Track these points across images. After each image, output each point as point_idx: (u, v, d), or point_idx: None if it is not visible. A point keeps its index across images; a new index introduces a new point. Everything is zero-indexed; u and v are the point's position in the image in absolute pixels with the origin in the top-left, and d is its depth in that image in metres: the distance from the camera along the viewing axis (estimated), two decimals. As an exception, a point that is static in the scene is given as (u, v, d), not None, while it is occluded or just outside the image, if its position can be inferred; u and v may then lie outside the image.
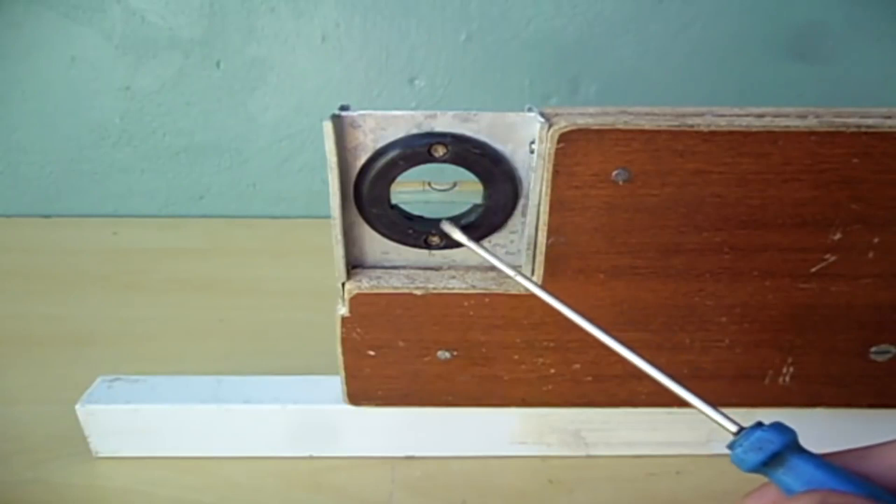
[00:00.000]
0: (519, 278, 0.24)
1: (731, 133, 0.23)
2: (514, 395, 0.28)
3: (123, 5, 0.54)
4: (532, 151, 0.24)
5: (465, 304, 0.26)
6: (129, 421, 0.29)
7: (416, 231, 0.26)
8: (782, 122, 0.23)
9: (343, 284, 0.26)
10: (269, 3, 0.54)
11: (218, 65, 0.56)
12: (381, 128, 0.24)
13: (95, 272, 0.49)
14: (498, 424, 0.30)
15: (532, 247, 0.25)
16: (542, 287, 0.24)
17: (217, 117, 0.58)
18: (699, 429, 0.30)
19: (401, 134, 0.24)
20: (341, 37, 0.55)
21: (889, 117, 0.23)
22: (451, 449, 0.31)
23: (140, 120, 0.58)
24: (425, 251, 0.27)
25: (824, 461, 0.19)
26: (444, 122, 0.24)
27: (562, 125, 0.23)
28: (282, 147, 0.59)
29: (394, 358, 0.27)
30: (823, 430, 0.30)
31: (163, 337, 0.40)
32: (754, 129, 0.23)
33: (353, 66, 0.56)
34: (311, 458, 0.30)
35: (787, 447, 0.19)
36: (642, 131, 0.23)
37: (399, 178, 0.25)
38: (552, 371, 0.28)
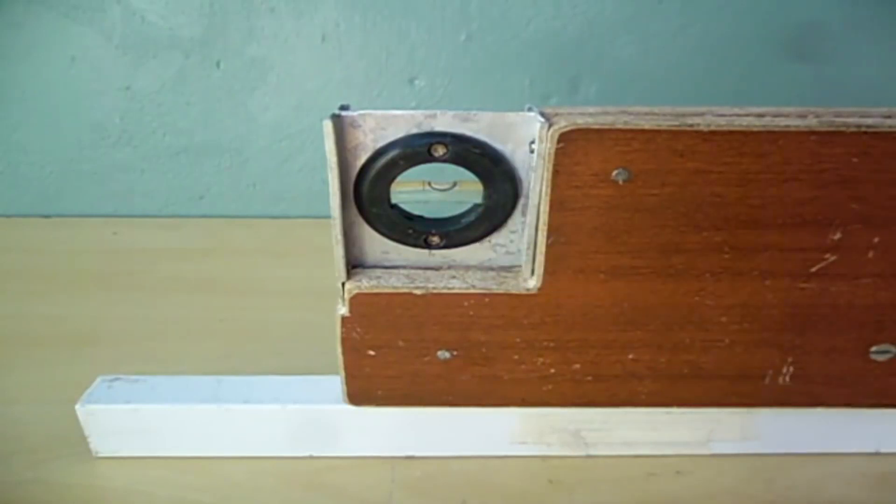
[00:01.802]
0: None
1: (731, 133, 0.23)
2: (514, 395, 0.28)
3: (123, 5, 0.54)
4: (532, 151, 0.24)
5: (465, 303, 0.26)
6: (129, 421, 0.29)
7: (416, 231, 0.26)
8: (782, 122, 0.23)
9: (343, 284, 0.26)
10: (269, 3, 0.54)
11: (218, 65, 0.56)
12: (381, 127, 0.24)
13: (95, 272, 0.49)
14: (498, 424, 0.30)
15: (532, 246, 0.25)
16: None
17: (217, 117, 0.58)
18: (699, 429, 0.30)
19: (401, 133, 0.24)
20: (341, 37, 0.55)
21: (889, 117, 0.23)
22: (451, 449, 0.30)
23: (140, 120, 0.58)
24: (425, 251, 0.27)
25: None
26: (444, 122, 0.24)
27: (562, 125, 0.23)
28: (282, 147, 0.59)
29: (394, 358, 0.27)
30: (823, 430, 0.30)
31: (163, 337, 0.40)
32: (754, 129, 0.23)
33: (353, 66, 0.56)
34: (311, 458, 0.30)
35: None
36: (642, 131, 0.23)
37: (399, 178, 0.25)
38: (552, 371, 0.28)
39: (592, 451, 0.31)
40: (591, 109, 0.24)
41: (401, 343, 0.27)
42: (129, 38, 0.55)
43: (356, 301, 0.26)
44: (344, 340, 0.27)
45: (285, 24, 0.55)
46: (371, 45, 0.55)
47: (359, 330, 0.27)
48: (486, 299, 0.26)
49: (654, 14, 0.54)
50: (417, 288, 0.26)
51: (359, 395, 0.28)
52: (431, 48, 0.55)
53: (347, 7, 0.54)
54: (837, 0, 0.54)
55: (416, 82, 0.57)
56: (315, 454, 0.30)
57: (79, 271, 0.49)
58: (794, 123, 0.23)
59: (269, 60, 0.56)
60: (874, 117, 0.23)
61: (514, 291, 0.26)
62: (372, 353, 0.27)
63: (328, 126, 0.23)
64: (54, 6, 0.54)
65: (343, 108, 0.24)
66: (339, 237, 0.25)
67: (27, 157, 0.59)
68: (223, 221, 0.60)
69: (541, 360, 0.27)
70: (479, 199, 0.26)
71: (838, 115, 0.23)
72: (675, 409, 0.29)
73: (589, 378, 0.28)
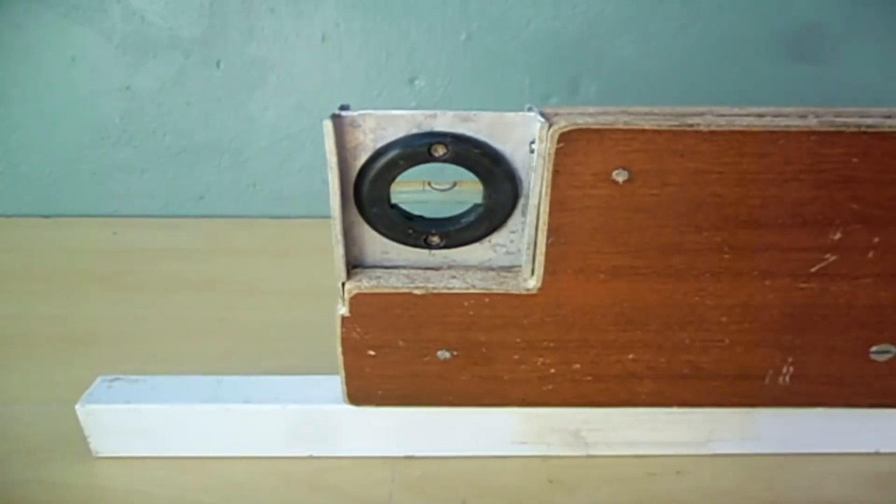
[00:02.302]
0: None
1: (731, 133, 0.23)
2: (514, 395, 0.28)
3: (123, 5, 0.54)
4: (532, 151, 0.24)
5: (465, 303, 0.26)
6: (130, 421, 0.29)
7: (416, 231, 0.26)
8: (783, 122, 0.23)
9: (343, 284, 0.26)
10: (269, 3, 0.54)
11: (218, 65, 0.56)
12: (381, 127, 0.24)
13: (95, 272, 0.49)
14: (498, 424, 0.30)
15: (532, 246, 0.25)
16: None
17: (217, 117, 0.58)
18: (699, 429, 0.30)
19: (401, 133, 0.24)
20: (341, 37, 0.55)
21: (889, 117, 0.23)
22: (451, 449, 0.30)
23: (140, 120, 0.58)
24: (425, 251, 0.27)
25: None
26: (445, 122, 0.24)
27: (562, 125, 0.23)
28: (282, 147, 0.59)
29: (394, 358, 0.27)
30: (823, 430, 0.30)
31: (163, 337, 0.40)
32: (755, 129, 0.23)
33: (353, 66, 0.56)
34: (311, 458, 0.30)
35: None
36: (642, 131, 0.23)
37: (399, 178, 0.25)
38: (552, 371, 0.28)
39: (593, 451, 0.31)
40: (591, 109, 0.24)
41: (401, 343, 0.27)
42: (129, 38, 0.55)
43: (356, 301, 0.26)
44: (344, 340, 0.27)
45: (285, 24, 0.55)
46: (371, 45, 0.55)
47: (359, 330, 0.27)
48: (486, 299, 0.26)
49: (654, 14, 0.54)
50: (417, 288, 0.26)
51: (359, 395, 0.28)
52: (431, 48, 0.55)
53: (347, 7, 0.54)
54: (837, 0, 0.54)
55: (416, 82, 0.57)
56: (315, 454, 0.30)
57: (79, 271, 0.49)
58: (794, 123, 0.23)
59: (269, 60, 0.56)
60: (874, 117, 0.23)
61: (514, 291, 0.26)
62: (372, 353, 0.27)
63: (328, 126, 0.23)
64: (54, 6, 0.54)
65: (343, 108, 0.24)
66: (339, 237, 0.25)
67: (27, 156, 0.59)
68: (223, 221, 0.60)
69: (541, 360, 0.27)
70: (479, 199, 0.26)
71: (838, 115, 0.23)
72: (674, 409, 0.29)
73: (589, 378, 0.28)
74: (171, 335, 0.41)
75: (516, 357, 0.27)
